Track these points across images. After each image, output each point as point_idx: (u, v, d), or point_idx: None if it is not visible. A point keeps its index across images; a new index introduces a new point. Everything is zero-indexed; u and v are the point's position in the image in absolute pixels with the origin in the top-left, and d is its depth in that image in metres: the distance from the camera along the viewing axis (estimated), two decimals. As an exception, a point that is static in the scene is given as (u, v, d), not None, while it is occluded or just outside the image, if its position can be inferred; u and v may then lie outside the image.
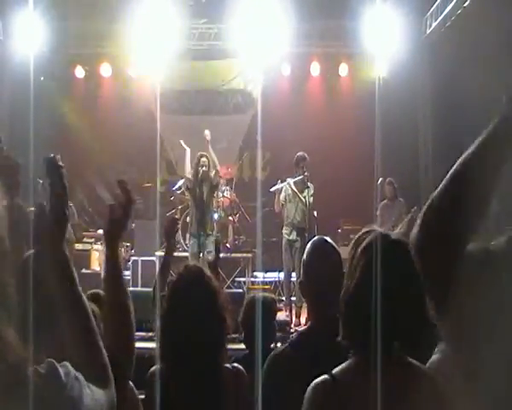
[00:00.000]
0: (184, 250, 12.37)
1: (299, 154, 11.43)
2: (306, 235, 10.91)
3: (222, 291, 3.22)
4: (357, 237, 2.38)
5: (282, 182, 11.47)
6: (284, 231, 11.37)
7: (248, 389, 3.19)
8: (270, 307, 4.99)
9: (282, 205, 11.38)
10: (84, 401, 1.57)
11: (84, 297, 1.83)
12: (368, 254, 2.24)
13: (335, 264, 3.28)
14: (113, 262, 2.50)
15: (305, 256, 3.35)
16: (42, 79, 14.17)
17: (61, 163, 1.78)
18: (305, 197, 11.17)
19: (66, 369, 1.56)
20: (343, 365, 2.27)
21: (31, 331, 1.73)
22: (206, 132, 11.59)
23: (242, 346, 5.03)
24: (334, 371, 2.26)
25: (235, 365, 3.21)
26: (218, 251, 5.29)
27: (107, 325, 2.47)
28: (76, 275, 1.82)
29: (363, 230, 2.39)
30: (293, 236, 11.20)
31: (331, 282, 3.23)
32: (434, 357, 2.42)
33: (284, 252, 11.30)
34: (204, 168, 11.35)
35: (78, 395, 1.55)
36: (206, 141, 11.57)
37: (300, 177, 11.22)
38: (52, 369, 1.52)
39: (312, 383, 2.29)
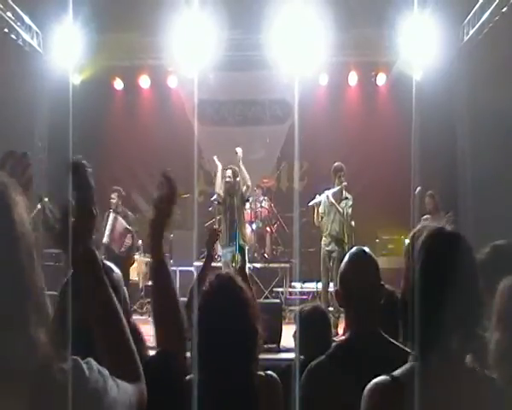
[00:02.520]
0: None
1: (336, 164, 11.45)
2: (345, 245, 10.91)
3: (253, 300, 3.20)
4: (412, 233, 2.30)
5: (319, 195, 11.49)
6: (323, 241, 11.39)
7: (285, 396, 3.18)
8: (327, 318, 5.03)
9: (322, 217, 11.40)
10: (109, 393, 1.61)
11: (114, 298, 1.86)
12: (426, 249, 2.17)
13: (373, 274, 3.27)
14: (158, 259, 2.74)
15: (341, 266, 3.34)
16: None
17: (85, 162, 1.84)
18: (343, 208, 11.17)
19: (89, 364, 1.60)
20: (405, 366, 2.20)
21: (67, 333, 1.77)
22: (238, 150, 11.73)
23: (280, 356, 5.04)
24: (395, 372, 2.17)
25: (269, 372, 3.18)
26: (244, 257, 5.32)
27: (158, 324, 2.66)
28: (104, 275, 1.85)
29: (417, 227, 2.31)
30: (332, 247, 11.20)
31: (368, 293, 3.23)
32: None
33: (322, 262, 11.29)
34: (228, 179, 11.50)
35: (102, 387, 1.59)
36: (238, 158, 11.70)
37: (338, 188, 11.24)
38: (75, 365, 1.57)
39: (371, 383, 2.21)
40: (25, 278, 1.51)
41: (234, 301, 3.06)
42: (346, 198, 11.32)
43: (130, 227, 12.30)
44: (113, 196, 12.56)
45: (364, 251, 3.35)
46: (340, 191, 11.29)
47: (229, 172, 11.64)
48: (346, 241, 11.14)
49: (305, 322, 4.79)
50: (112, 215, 12.14)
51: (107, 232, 12.08)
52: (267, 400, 3.06)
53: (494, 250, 3.41)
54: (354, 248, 3.43)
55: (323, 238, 11.41)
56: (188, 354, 2.89)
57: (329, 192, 11.32)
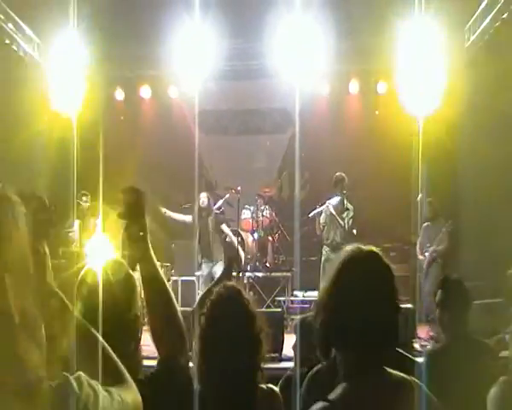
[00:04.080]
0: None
1: (337, 174, 11.47)
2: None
3: (259, 313, 3.20)
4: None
5: (320, 205, 11.51)
6: (324, 250, 11.42)
7: (286, 408, 3.18)
8: None
9: (323, 227, 11.43)
10: (100, 406, 1.59)
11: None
12: (339, 267, 2.35)
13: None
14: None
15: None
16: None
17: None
18: (343, 219, 11.19)
19: (79, 380, 1.58)
20: (338, 388, 2.26)
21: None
22: (163, 210, 13.03)
23: (281, 365, 5.02)
24: (331, 395, 2.26)
25: (270, 385, 3.18)
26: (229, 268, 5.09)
27: (158, 335, 2.60)
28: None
29: None
30: (333, 256, 11.23)
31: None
32: None
33: (322, 270, 11.31)
34: (203, 200, 12.87)
35: (93, 402, 1.57)
36: (164, 212, 13.06)
37: (339, 199, 11.26)
38: (65, 382, 1.54)
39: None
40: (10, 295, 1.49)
41: (241, 313, 3.05)
42: (347, 209, 11.35)
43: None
44: (84, 199, 12.81)
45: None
46: (342, 202, 11.31)
47: (203, 195, 12.87)
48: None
49: (307, 331, 4.76)
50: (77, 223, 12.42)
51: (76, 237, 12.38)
52: None
53: None
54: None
55: (324, 247, 11.45)
56: (191, 364, 2.88)
57: (331, 203, 11.34)
